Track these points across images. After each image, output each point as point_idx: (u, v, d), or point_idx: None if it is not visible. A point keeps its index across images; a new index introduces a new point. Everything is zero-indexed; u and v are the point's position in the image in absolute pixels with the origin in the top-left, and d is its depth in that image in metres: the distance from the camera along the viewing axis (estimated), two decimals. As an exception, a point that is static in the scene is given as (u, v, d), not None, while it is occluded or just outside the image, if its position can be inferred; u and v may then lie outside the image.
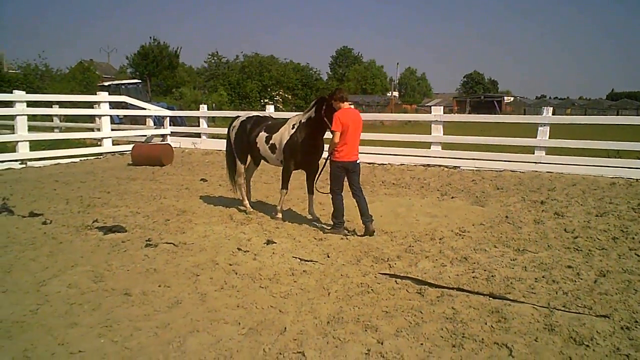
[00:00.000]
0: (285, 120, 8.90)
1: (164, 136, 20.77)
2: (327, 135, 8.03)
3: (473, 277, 5.80)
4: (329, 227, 7.94)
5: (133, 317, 4.75)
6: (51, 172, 14.20)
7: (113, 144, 18.53)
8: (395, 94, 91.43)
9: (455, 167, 14.44)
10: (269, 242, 7.18)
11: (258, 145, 8.90)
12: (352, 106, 7.93)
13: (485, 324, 4.59)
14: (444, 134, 15.28)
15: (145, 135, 20.68)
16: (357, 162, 7.84)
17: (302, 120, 8.36)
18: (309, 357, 3.98)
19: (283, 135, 8.50)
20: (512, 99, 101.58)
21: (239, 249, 6.87)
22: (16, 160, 15.03)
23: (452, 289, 5.43)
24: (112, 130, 19.09)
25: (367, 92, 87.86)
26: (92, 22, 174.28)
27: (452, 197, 10.66)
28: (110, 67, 77.92)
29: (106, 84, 30.33)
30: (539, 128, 13.69)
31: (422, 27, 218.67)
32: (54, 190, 11.24)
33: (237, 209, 9.35)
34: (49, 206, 9.49)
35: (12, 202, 9.65)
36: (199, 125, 21.15)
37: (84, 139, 20.25)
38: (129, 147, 17.14)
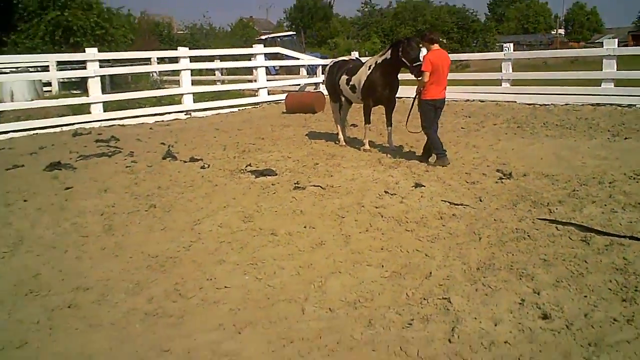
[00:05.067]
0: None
1: (316, 84, 20.97)
2: (403, 75, 9.34)
3: (650, 225, 5.06)
4: (434, 160, 8.16)
5: (277, 256, 4.78)
6: (212, 121, 15.00)
7: (268, 94, 19.08)
8: (561, 31, 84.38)
9: (629, 105, 12.81)
10: (417, 185, 6.88)
11: (341, 87, 9.93)
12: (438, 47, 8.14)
13: (665, 276, 3.96)
14: (617, 70, 13.59)
15: (299, 85, 21.03)
16: (444, 99, 8.32)
17: (378, 61, 9.12)
18: (455, 303, 3.70)
19: (361, 76, 9.35)
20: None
21: (385, 192, 6.66)
22: (182, 112, 16.09)
23: (625, 237, 4.76)
24: (268, 80, 19.63)
25: (528, 32, 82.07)
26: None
27: (626, 138, 9.49)
28: (268, 22, 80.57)
29: (263, 37, 31.31)
30: None
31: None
32: (213, 137, 11.82)
33: (386, 153, 9.11)
34: (208, 152, 9.97)
35: (176, 149, 10.28)
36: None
37: (243, 90, 21.11)
38: (283, 96, 17.54)
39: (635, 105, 12.76)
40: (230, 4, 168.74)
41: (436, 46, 8.10)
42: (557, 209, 5.71)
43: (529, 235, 4.96)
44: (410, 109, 8.71)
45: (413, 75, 8.36)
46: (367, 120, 9.58)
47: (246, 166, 8.52)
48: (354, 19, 68.71)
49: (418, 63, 8.16)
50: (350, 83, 9.60)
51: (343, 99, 10.26)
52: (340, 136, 10.44)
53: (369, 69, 9.18)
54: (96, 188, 7.47)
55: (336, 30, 61.80)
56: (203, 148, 10.47)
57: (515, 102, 14.79)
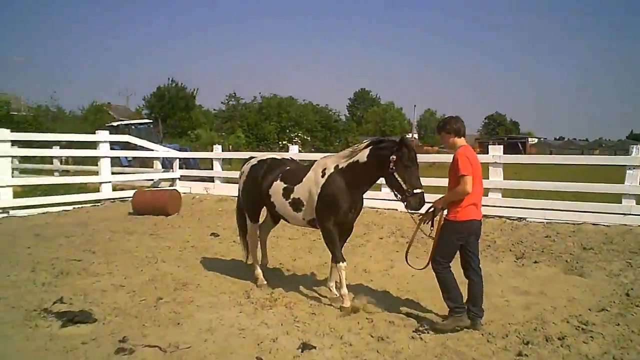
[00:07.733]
0: (309, 164, 6.51)
1: (173, 180, 18.47)
2: None
3: None
4: (444, 319, 5.39)
5: None
6: (36, 223, 11.85)
7: (116, 190, 16.22)
8: (416, 135, 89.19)
9: (520, 218, 11.68)
10: (304, 346, 4.69)
11: (272, 200, 6.50)
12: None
13: None
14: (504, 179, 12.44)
15: (153, 180, 18.41)
16: (481, 221, 5.62)
17: (341, 166, 5.93)
18: None
19: (311, 186, 6.07)
20: (535, 140, 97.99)
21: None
22: (-3, 209, 12.73)
23: None
24: (114, 174, 16.75)
25: (386, 134, 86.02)
26: (111, 64, 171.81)
27: (535, 262, 8.12)
28: (127, 109, 76.94)
29: (115, 124, 28.30)
30: (627, 171, 10.88)
31: (441, 68, 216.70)
32: (27, 249, 8.89)
33: (255, 282, 6.90)
34: (8, 274, 7.15)
35: (-38, 269, 7.31)
36: (212, 169, 18.74)
37: (85, 183, 17.96)
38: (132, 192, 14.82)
39: (525, 218, 11.66)
40: (86, 88, 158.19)
41: (463, 140, 5.46)
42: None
43: None
44: (413, 236, 5.81)
45: (405, 206, 5.57)
46: (339, 257, 5.94)
47: (55, 302, 5.89)
48: (218, 112, 67.25)
49: (418, 191, 5.45)
50: (292, 196, 6.26)
51: (269, 215, 7.16)
52: (258, 271, 7.01)
53: (323, 175, 6.00)
54: None
55: (199, 121, 59.96)
56: (4, 266, 7.57)
57: (397, 209, 13.05)
